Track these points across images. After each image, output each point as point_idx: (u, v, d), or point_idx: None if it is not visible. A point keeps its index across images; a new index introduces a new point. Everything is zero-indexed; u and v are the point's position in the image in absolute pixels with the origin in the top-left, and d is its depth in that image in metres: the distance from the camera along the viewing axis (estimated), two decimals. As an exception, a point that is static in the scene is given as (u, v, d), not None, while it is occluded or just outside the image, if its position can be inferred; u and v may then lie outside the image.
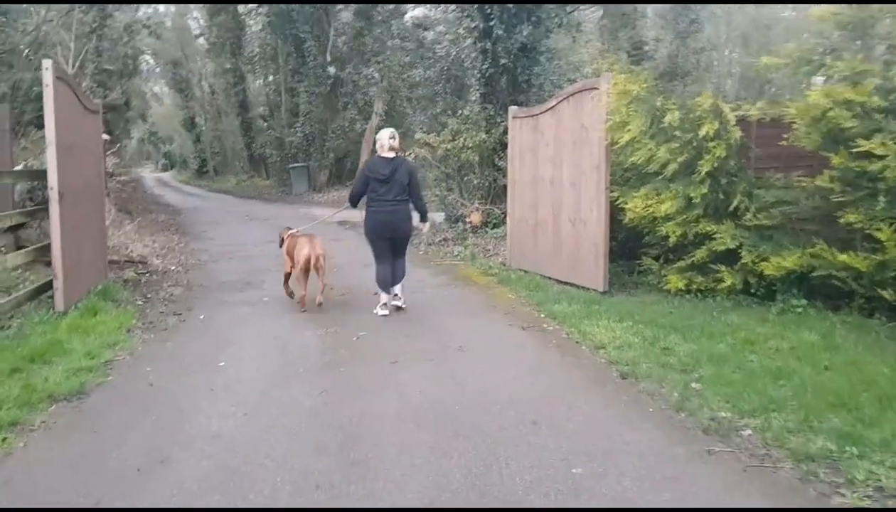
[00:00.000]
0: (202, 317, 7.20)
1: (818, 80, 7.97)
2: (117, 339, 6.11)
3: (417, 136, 13.03)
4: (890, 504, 3.45)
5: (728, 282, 7.45)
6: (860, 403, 4.49)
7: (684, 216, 7.55)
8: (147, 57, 36.80)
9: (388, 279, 7.40)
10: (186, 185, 38.13)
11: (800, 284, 7.21)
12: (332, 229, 14.46)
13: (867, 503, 3.45)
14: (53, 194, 6.39)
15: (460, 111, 12.84)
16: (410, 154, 13.09)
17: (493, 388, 5.03)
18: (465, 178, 12.67)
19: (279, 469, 3.76)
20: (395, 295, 7.49)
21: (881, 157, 6.28)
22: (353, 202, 7.60)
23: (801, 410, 4.46)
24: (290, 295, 7.89)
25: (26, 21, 11.94)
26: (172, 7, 35.96)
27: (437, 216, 13.94)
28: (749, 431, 4.28)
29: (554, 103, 8.80)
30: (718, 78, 25.11)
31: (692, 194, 7.42)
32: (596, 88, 7.94)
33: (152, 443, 4.08)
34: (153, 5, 31.67)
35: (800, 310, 6.99)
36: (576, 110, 8.36)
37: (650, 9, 16.29)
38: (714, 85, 21.13)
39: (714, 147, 7.34)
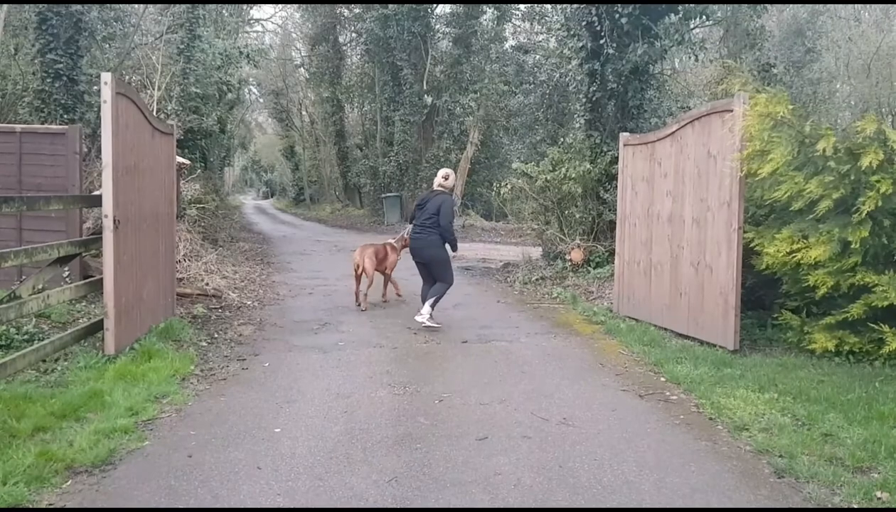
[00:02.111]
0: (267, 365, 6.36)
1: None
2: (168, 390, 5.33)
3: (515, 166, 12.03)
4: None
5: (893, 345, 6.06)
6: None
7: (838, 264, 6.24)
8: (251, 87, 37.70)
9: (423, 295, 8.25)
10: (283, 213, 38.52)
11: (984, 350, 5.78)
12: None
13: None
14: (108, 222, 5.73)
15: (562, 139, 11.77)
16: (506, 185, 12.14)
17: (610, 486, 3.90)
18: (566, 212, 11.54)
19: None
20: (420, 312, 8.02)
21: None
22: (409, 220, 8.81)
23: None
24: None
25: (119, 46, 11.84)
26: (277, 38, 36.73)
27: (533, 252, 12.89)
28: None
29: (675, 128, 7.63)
30: (837, 110, 23.20)
31: (849, 238, 6.10)
32: (729, 111, 6.74)
33: (170, 547, 3.20)
34: (256, 34, 32.37)
35: None
36: (702, 136, 7.17)
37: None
38: (830, 118, 19.33)
39: (878, 181, 6.01)
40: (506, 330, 7.96)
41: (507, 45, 22.35)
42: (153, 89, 11.01)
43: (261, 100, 42.28)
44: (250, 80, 34.29)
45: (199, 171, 13.30)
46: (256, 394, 5.49)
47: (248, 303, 9.29)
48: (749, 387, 5.60)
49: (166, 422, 4.79)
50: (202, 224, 12.23)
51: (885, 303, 6.05)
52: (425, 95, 25.04)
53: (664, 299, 7.76)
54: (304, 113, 40.92)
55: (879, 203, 6.01)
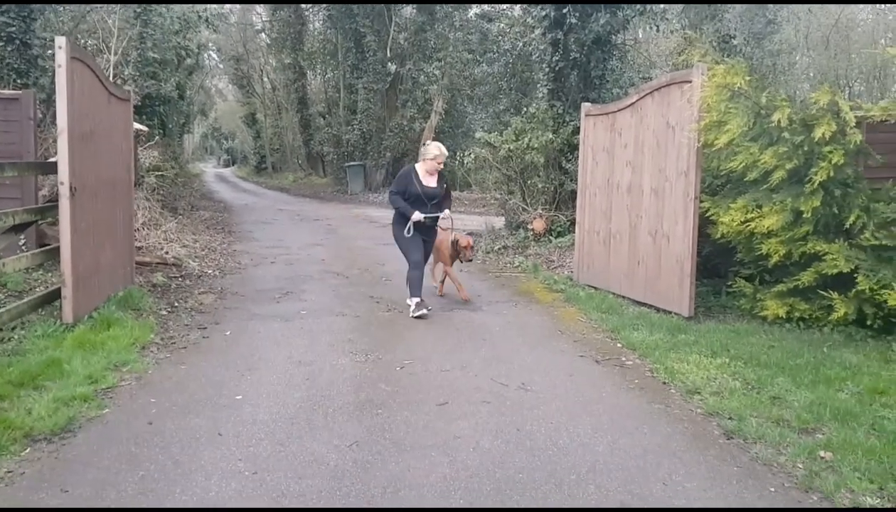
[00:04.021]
0: (228, 333, 6.35)
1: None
2: (127, 358, 5.29)
3: (478, 135, 12.02)
4: None
5: (840, 311, 6.26)
6: None
7: (790, 233, 6.40)
8: (211, 52, 36.85)
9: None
10: (244, 181, 38.03)
11: (927, 316, 6.01)
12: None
13: None
14: (64, 190, 5.61)
15: (525, 109, 11.78)
16: (470, 155, 12.14)
17: (565, 448, 4.01)
18: (529, 182, 11.59)
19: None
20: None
21: None
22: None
23: (978, 502, 3.34)
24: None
25: (73, 9, 11.44)
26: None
27: (496, 221, 12.97)
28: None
29: (635, 99, 7.70)
30: (796, 82, 23.58)
31: (802, 207, 6.25)
32: (688, 81, 6.83)
33: (131, 512, 3.22)
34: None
35: (929, 349, 5.81)
36: (661, 107, 7.26)
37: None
38: (789, 89, 19.64)
39: (830, 152, 6.16)
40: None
41: (471, 13, 22.13)
42: (109, 54, 10.71)
43: (221, 66, 41.40)
44: (209, 45, 33.51)
45: (157, 138, 13.01)
46: (217, 362, 5.49)
47: (209, 272, 9.22)
48: (702, 352, 5.75)
49: (126, 390, 4.77)
50: (161, 192, 12.03)
51: (835, 271, 6.23)
52: (389, 63, 24.75)
53: (623, 268, 7.89)
54: (265, 79, 40.23)
55: (831, 174, 6.16)
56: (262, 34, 35.37)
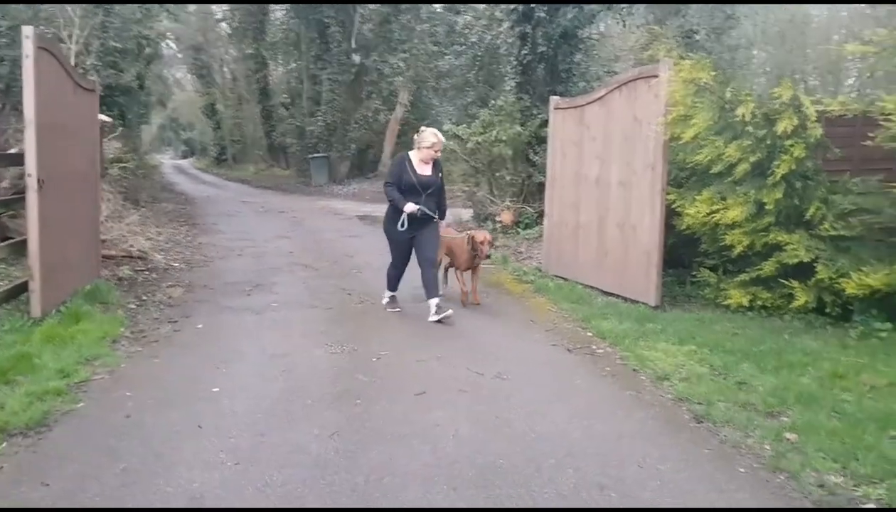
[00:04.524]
0: (200, 326, 6.32)
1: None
2: (99, 352, 5.24)
3: (446, 127, 12.06)
4: None
5: (801, 300, 6.49)
6: None
7: (753, 224, 6.60)
8: (169, 41, 36.18)
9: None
10: (204, 173, 37.46)
11: (881, 304, 6.25)
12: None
13: None
14: (31, 182, 5.52)
15: (493, 102, 11.87)
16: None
17: (543, 434, 4.10)
18: (497, 174, 11.69)
19: (273, 552, 2.88)
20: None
21: None
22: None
23: (935, 479, 3.52)
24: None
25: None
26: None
27: (464, 213, 13.03)
28: (871, 504, 3.36)
29: (603, 93, 7.83)
30: (753, 76, 24.06)
31: (765, 199, 6.45)
32: (655, 76, 6.97)
33: (116, 505, 3.21)
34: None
35: (884, 335, 6.10)
36: (629, 101, 7.39)
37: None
38: (747, 83, 20.04)
39: (792, 146, 6.37)
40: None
41: (437, 6, 22.09)
42: (70, 43, 10.48)
43: (179, 55, 40.67)
44: (168, 34, 32.92)
45: (119, 129, 12.78)
46: (191, 355, 5.46)
47: (176, 265, 9.12)
48: (670, 340, 5.91)
49: (100, 384, 4.73)
50: (123, 184, 11.83)
51: (795, 260, 6.44)
52: (354, 54, 24.61)
53: (591, 259, 8.03)
54: (225, 70, 39.66)
55: (793, 167, 6.37)
56: (223, 23, 34.86)
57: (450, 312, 6.58)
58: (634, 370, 5.33)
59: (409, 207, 6.61)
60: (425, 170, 6.79)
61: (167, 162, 48.64)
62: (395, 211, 6.78)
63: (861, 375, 5.07)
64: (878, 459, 3.72)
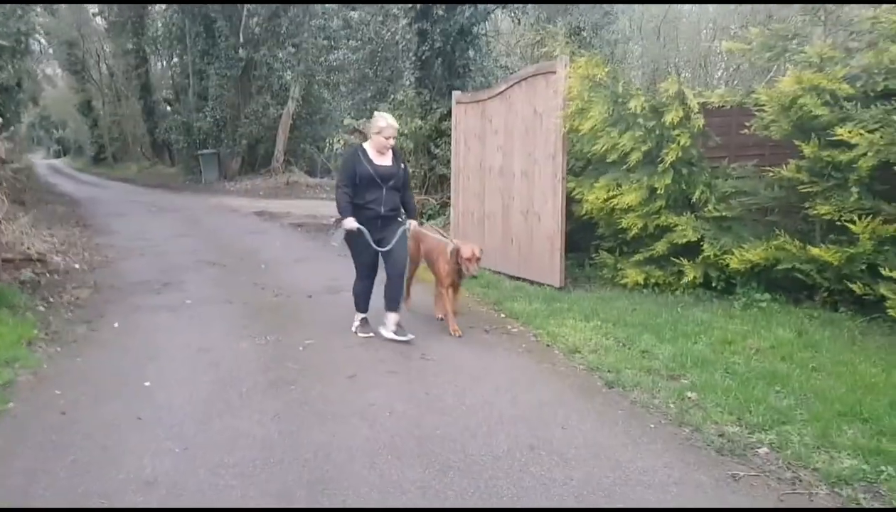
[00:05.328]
0: (116, 325, 6.24)
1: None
2: (16, 354, 5.13)
3: (346, 122, 12.21)
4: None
5: (690, 276, 7.11)
6: (874, 413, 4.14)
7: (646, 208, 7.16)
8: (39, 36, 34.06)
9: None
10: (82, 173, 35.67)
11: (759, 277, 6.96)
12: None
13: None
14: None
15: (392, 96, 12.10)
16: (340, 141, 12.30)
17: (472, 406, 4.41)
18: (399, 167, 11.91)
19: (237, 525, 3.04)
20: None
21: (851, 147, 6.03)
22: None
23: (812, 422, 4.09)
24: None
25: None
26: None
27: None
28: (765, 449, 3.86)
29: (504, 88, 8.23)
30: (631, 69, 25.38)
31: (656, 185, 7.02)
32: (553, 72, 7.41)
33: (71, 494, 3.26)
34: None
35: (763, 305, 6.75)
36: (529, 96, 7.81)
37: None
38: (625, 77, 21.17)
39: (678, 135, 6.96)
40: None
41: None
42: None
43: (51, 50, 38.44)
44: (38, 28, 31.05)
45: (11, 129, 12.13)
46: (114, 353, 5.43)
47: (77, 266, 8.86)
48: (576, 317, 6.35)
49: (25, 384, 4.67)
50: (7, 185, 11.26)
51: (684, 240, 7.06)
52: (241, 49, 24.10)
53: (497, 245, 8.42)
54: (102, 65, 37.89)
55: (679, 154, 6.96)
56: (98, 18, 33.27)
57: (411, 336, 5.77)
58: (548, 346, 5.73)
59: (349, 224, 5.70)
60: (383, 160, 5.88)
61: (39, 162, 45.86)
62: (354, 209, 5.77)
63: (747, 340, 5.66)
64: (767, 410, 4.25)
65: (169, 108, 29.88)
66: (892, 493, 3.32)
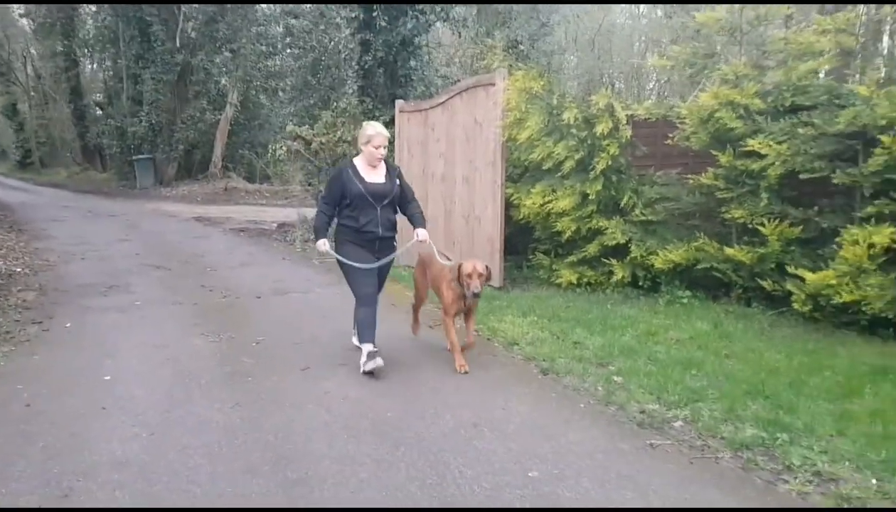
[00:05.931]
0: (68, 325, 6.37)
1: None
2: (-30, 353, 5.25)
3: (289, 128, 12.41)
4: (830, 487, 3.55)
5: (619, 275, 7.64)
6: (775, 391, 4.67)
7: (579, 212, 7.66)
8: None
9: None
10: (8, 178, 34.50)
11: (681, 276, 7.52)
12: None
13: (810, 489, 3.52)
14: None
15: (335, 104, 12.38)
16: (282, 147, 12.50)
17: (420, 392, 4.77)
18: (341, 173, 12.18)
19: (209, 495, 3.31)
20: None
21: (762, 157, 6.65)
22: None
23: (722, 399, 4.58)
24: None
25: None
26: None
27: (308, 212, 13.40)
28: (680, 423, 4.32)
29: (445, 98, 8.64)
30: (567, 79, 26.27)
31: (588, 191, 7.52)
32: (492, 84, 7.85)
33: (47, 475, 3.47)
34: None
35: (685, 301, 7.30)
36: (469, 106, 8.24)
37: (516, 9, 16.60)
38: (561, 87, 21.93)
39: (608, 145, 7.48)
40: (299, 283, 8.52)
41: (276, 9, 21.83)
42: None
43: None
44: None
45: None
46: (70, 351, 5.58)
47: (19, 270, 8.84)
48: (515, 314, 6.79)
49: (-15, 380, 4.80)
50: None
51: (614, 242, 7.59)
52: (178, 53, 23.91)
53: (440, 249, 8.76)
54: (28, 67, 36.81)
55: (609, 163, 7.49)
56: (24, 19, 32.36)
57: (380, 363, 5.06)
58: (488, 339, 6.13)
59: (321, 247, 5.37)
60: (375, 176, 5.35)
61: (-44, 167, 44.13)
62: (350, 231, 5.37)
63: (669, 332, 6.19)
64: (683, 390, 4.74)
65: (101, 112, 29.26)
66: (784, 454, 3.82)
